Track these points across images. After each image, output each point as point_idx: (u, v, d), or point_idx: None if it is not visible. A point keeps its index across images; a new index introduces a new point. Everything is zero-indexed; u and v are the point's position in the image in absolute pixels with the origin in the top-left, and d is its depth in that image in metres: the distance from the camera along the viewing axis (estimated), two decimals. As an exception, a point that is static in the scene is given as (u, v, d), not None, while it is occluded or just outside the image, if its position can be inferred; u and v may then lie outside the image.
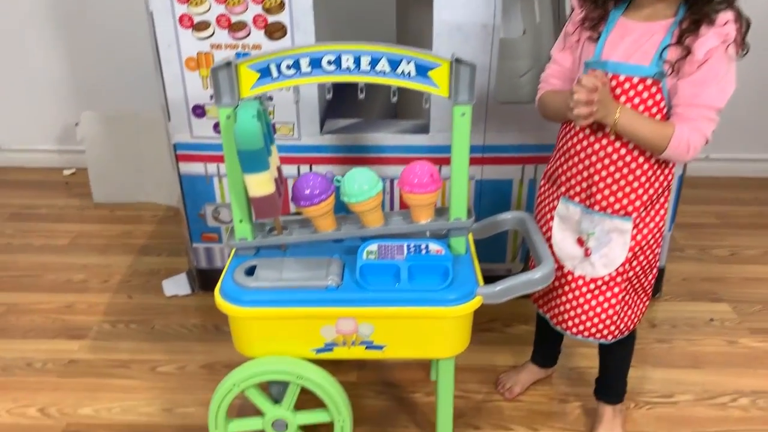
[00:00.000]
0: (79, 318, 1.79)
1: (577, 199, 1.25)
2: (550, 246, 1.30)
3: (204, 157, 1.68)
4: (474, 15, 1.49)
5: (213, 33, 1.52)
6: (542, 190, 1.35)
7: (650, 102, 1.13)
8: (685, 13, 1.10)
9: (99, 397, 1.51)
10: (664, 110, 1.13)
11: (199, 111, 1.62)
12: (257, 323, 1.18)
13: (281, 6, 1.49)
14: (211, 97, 1.59)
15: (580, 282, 1.27)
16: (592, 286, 1.26)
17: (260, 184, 1.15)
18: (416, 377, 1.56)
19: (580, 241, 1.26)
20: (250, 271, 1.21)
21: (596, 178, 1.20)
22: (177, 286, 1.91)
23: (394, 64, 1.14)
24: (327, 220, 1.25)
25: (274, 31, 1.52)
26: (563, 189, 1.27)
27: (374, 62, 1.14)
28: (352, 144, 1.66)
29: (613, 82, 1.13)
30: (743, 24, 1.08)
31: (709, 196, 2.43)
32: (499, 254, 1.81)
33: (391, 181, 1.69)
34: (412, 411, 1.47)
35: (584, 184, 1.22)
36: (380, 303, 1.16)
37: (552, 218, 1.30)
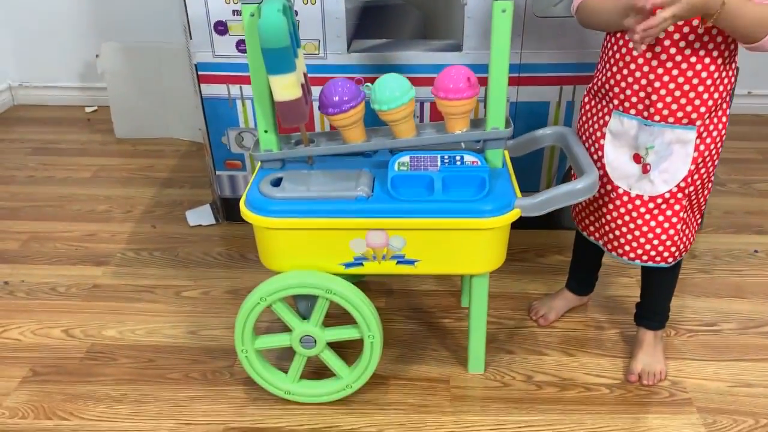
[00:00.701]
0: (102, 246, 1.76)
1: (633, 111, 1.14)
2: (603, 167, 1.20)
3: (227, 78, 1.62)
4: None
5: (235, -59, 1.44)
6: (587, 108, 1.24)
7: None
8: None
9: (123, 319, 1.48)
10: None
11: (221, 28, 1.55)
12: (284, 235, 1.13)
13: None
14: (234, 12, 1.52)
15: (638, 202, 1.18)
16: (651, 205, 1.17)
17: (287, 87, 1.09)
18: (446, 303, 1.51)
19: (637, 158, 1.16)
20: (276, 183, 1.16)
21: (657, 84, 1.09)
22: (201, 216, 1.87)
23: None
24: (356, 130, 1.19)
25: (300, -61, 1.43)
26: (615, 102, 1.16)
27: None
28: (381, 63, 1.58)
29: None
30: None
31: (751, 132, 2.32)
32: (533, 182, 1.74)
33: (422, 104, 1.62)
34: (443, 335, 1.42)
35: (642, 94, 1.11)
36: (412, 214, 1.10)
37: (603, 136, 1.20)
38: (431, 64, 1.57)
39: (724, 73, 1.09)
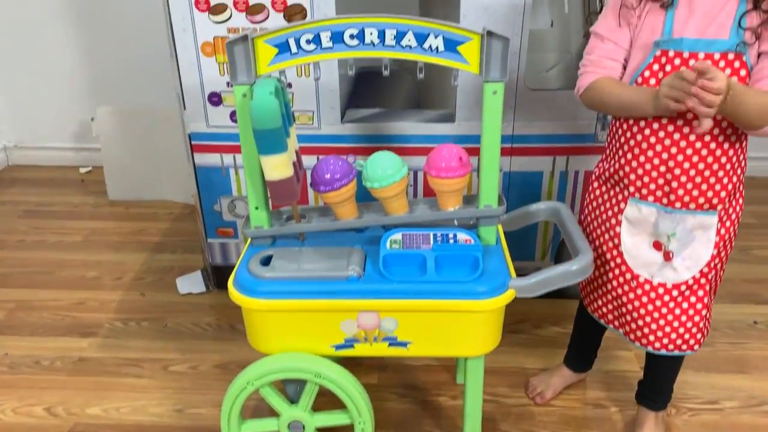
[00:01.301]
0: (90, 315, 1.72)
1: (651, 198, 1.12)
2: (620, 254, 1.18)
3: (220, 148, 1.61)
4: (503, -5, 1.41)
5: (230, 16, 1.46)
6: (597, 193, 1.22)
7: (734, 78, 1.01)
8: None
9: (108, 396, 1.44)
10: (748, 85, 1.02)
11: (215, 99, 1.55)
12: (273, 316, 1.10)
13: (301, -13, 1.42)
14: (228, 84, 1.53)
15: (661, 290, 1.16)
16: (675, 293, 1.15)
17: (277, 167, 1.08)
18: (441, 379, 1.47)
19: (658, 245, 1.14)
20: (266, 261, 1.14)
21: (677, 171, 1.08)
22: (191, 283, 1.84)
23: (421, 38, 1.06)
24: (348, 207, 1.17)
25: (294, 14, 1.45)
26: (632, 189, 1.14)
27: (400, 36, 1.06)
28: (374, 133, 1.58)
29: (692, 62, 1.02)
30: None
31: (747, 195, 2.31)
32: (528, 252, 1.72)
33: (415, 173, 1.62)
34: (437, 415, 1.38)
35: (661, 181, 1.10)
36: (405, 295, 1.07)
37: (618, 223, 1.17)
38: (425, 135, 1.57)
39: (741, 155, 1.09)
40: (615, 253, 1.19)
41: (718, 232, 1.11)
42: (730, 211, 1.12)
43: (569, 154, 1.59)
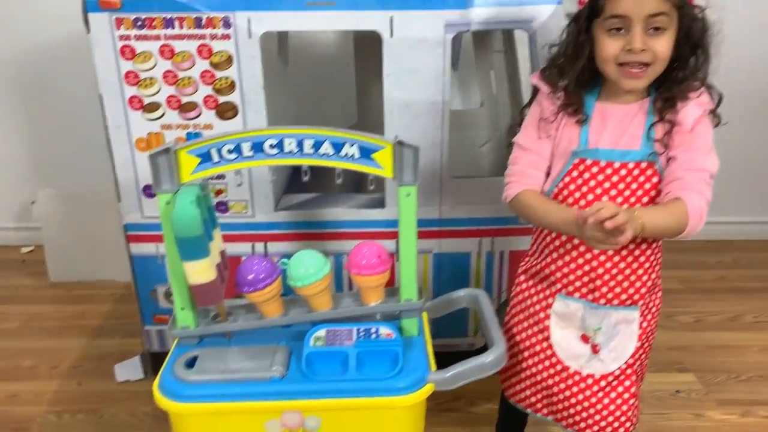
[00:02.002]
0: (23, 409, 1.70)
1: (577, 294, 1.20)
2: (550, 347, 1.24)
3: (156, 237, 1.64)
4: (423, 93, 1.50)
5: (163, 114, 1.51)
6: (524, 287, 1.29)
7: (647, 185, 1.11)
8: (656, 92, 1.11)
9: (37, 497, 1.42)
10: (659, 188, 1.11)
11: (149, 191, 1.59)
12: (198, 419, 1.12)
13: (232, 87, 1.49)
14: (162, 177, 1.57)
15: (590, 381, 1.22)
16: (603, 383, 1.22)
17: (200, 272, 1.11)
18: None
19: (585, 338, 1.22)
20: (192, 363, 1.16)
21: (600, 271, 1.16)
22: (129, 370, 1.83)
23: (338, 146, 1.13)
24: (273, 305, 1.21)
25: (226, 111, 1.51)
26: (559, 286, 1.21)
27: (317, 145, 1.13)
28: (308, 220, 1.63)
29: (608, 170, 1.12)
30: (715, 97, 1.11)
31: (672, 260, 2.39)
32: (461, 328, 1.77)
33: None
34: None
35: (585, 279, 1.18)
36: (326, 394, 1.11)
37: (547, 317, 1.24)
38: (357, 221, 1.63)
39: (657, 254, 1.18)
40: (545, 345, 1.25)
41: (640, 326, 1.20)
42: (651, 305, 1.21)
43: (494, 236, 1.66)
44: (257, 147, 1.13)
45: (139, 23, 1.43)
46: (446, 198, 1.62)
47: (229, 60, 1.47)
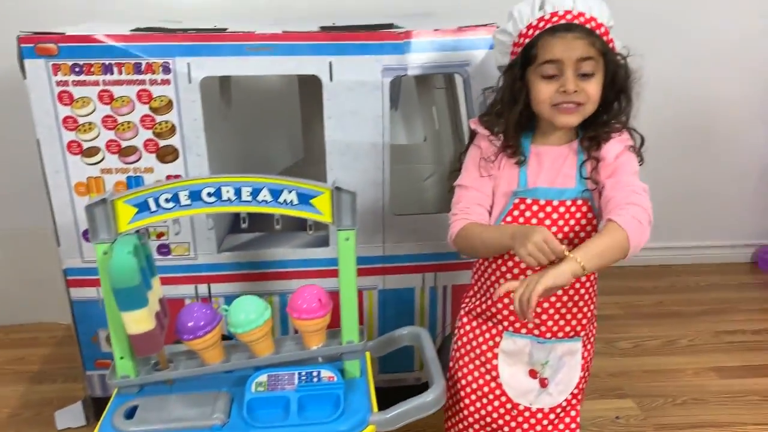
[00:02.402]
0: (-44, 463, 1.64)
1: (524, 330, 1.24)
2: (499, 386, 1.27)
3: (96, 282, 1.61)
4: (364, 134, 1.53)
5: (103, 158, 1.50)
6: (469, 328, 1.32)
7: (583, 221, 1.17)
8: (583, 133, 1.18)
9: None
10: (595, 222, 1.18)
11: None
12: (137, 470, 1.11)
13: (172, 130, 1.49)
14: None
15: (540, 416, 1.26)
16: (552, 416, 1.26)
17: (138, 322, 1.11)
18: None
19: (533, 373, 1.26)
20: (132, 412, 1.15)
21: (546, 305, 1.21)
22: (70, 417, 1.79)
23: (276, 193, 1.15)
24: (214, 351, 1.21)
25: (166, 155, 1.51)
26: (506, 324, 1.25)
27: (255, 192, 1.15)
28: (252, 260, 1.64)
29: (548, 208, 1.17)
30: (636, 139, 1.18)
31: (612, 286, 2.51)
32: (407, 363, 1.79)
33: (293, 296, 1.67)
34: None
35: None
36: (268, 440, 1.11)
37: (495, 356, 1.27)
38: (302, 260, 1.64)
39: (596, 284, 1.24)
40: (494, 385, 1.28)
41: (582, 356, 1.25)
42: (590, 335, 1.28)
43: (437, 271, 1.70)
44: (194, 195, 1.14)
45: (77, 69, 1.43)
46: (389, 235, 1.65)
47: (169, 104, 1.47)
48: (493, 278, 1.25)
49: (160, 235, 1.59)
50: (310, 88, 1.75)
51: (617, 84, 1.15)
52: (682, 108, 2.52)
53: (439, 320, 1.75)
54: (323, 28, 1.61)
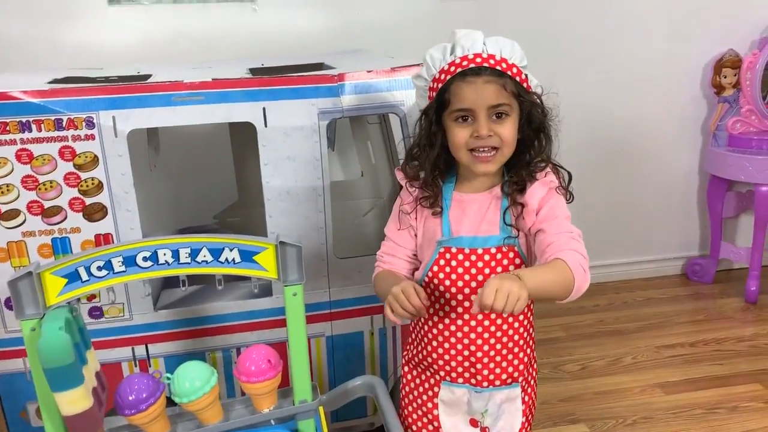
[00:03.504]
0: None
1: (461, 380, 1.21)
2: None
3: (22, 352, 1.50)
4: (302, 179, 1.50)
5: (24, 221, 1.41)
6: (410, 377, 1.30)
7: (511, 267, 1.15)
8: (507, 176, 1.16)
9: None
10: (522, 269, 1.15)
11: (12, 304, 1.46)
12: None
13: (99, 187, 1.42)
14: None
15: None
16: None
17: (74, 402, 1.03)
18: None
19: (474, 422, 1.23)
20: (70, 500, 1.06)
21: (479, 354, 1.18)
22: (-1, 499, 1.65)
23: (216, 252, 1.10)
24: (159, 423, 1.13)
25: (94, 212, 1.43)
26: (442, 373, 1.22)
27: (194, 253, 1.09)
28: (191, 317, 1.56)
29: (473, 256, 1.15)
30: (561, 176, 1.17)
31: (554, 308, 2.55)
32: (360, 409, 1.74)
33: (238, 349, 1.61)
34: None
35: (467, 364, 1.19)
36: None
37: (435, 406, 1.24)
38: (244, 312, 1.58)
39: (531, 329, 1.22)
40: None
41: (523, 401, 1.23)
42: (530, 378, 1.25)
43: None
44: (129, 261, 1.07)
45: (-9, 128, 1.34)
46: (334, 280, 1.61)
47: (94, 160, 1.40)
48: (426, 327, 1.22)
49: (91, 298, 1.49)
50: (240, 129, 1.71)
51: (534, 123, 1.14)
52: (604, 130, 2.61)
53: (390, 362, 1.72)
54: (253, 71, 1.58)
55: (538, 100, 1.15)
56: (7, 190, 1.38)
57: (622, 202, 2.73)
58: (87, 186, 1.41)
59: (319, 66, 1.66)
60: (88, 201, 1.42)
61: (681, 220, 2.82)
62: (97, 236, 1.45)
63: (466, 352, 1.19)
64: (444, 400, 1.23)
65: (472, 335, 1.17)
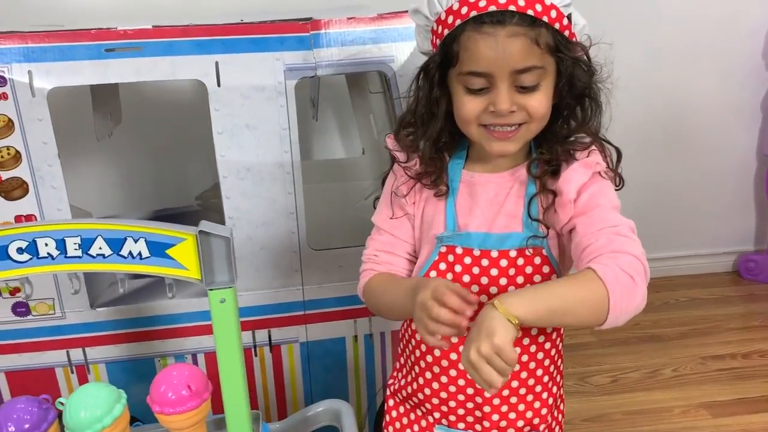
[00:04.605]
0: None
1: (462, 425, 0.92)
2: None
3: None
4: (266, 153, 1.22)
5: None
6: (395, 414, 1.00)
7: (537, 277, 0.85)
8: (535, 153, 0.86)
9: None
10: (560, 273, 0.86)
11: None
12: None
13: (17, 158, 1.16)
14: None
15: None
16: None
17: None
18: None
19: None
20: None
21: (487, 394, 0.88)
22: None
23: (116, 243, 0.83)
24: (48, 463, 0.88)
25: (12, 189, 1.18)
26: (437, 415, 0.93)
27: (86, 244, 0.82)
28: (135, 316, 1.31)
29: (485, 261, 0.85)
30: (609, 155, 0.86)
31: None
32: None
33: (194, 356, 1.35)
34: None
35: (470, 405, 0.90)
36: None
37: None
38: (194, 312, 1.32)
39: (558, 360, 0.91)
40: None
41: None
42: (554, 425, 0.94)
43: (371, 315, 1.39)
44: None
45: None
46: (309, 276, 1.33)
47: (8, 125, 1.14)
48: (418, 353, 0.92)
49: (14, 291, 1.25)
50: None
51: (577, 88, 0.83)
52: (648, 107, 2.28)
53: (378, 374, 1.44)
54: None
55: (584, 55, 0.83)
56: None
57: (666, 188, 2.39)
58: (2, 157, 1.16)
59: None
60: (5, 175, 1.17)
61: (734, 209, 2.47)
62: (17, 217, 1.20)
63: (470, 390, 0.89)
64: None
65: None
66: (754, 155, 2.42)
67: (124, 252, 0.83)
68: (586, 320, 0.76)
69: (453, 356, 0.88)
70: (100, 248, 0.82)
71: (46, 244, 0.81)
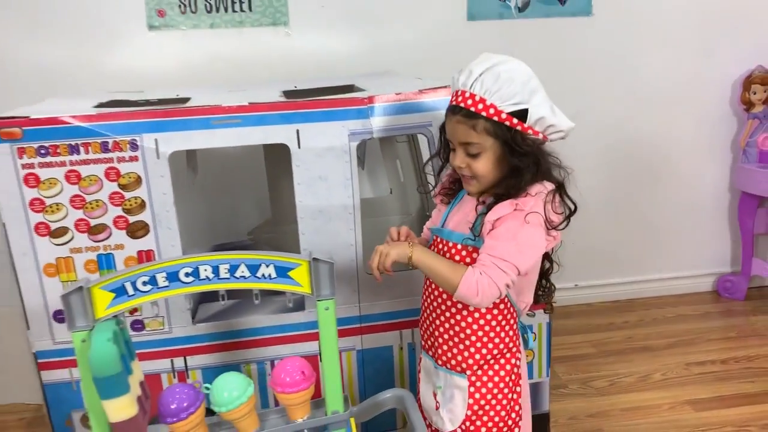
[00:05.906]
0: None
1: (430, 352, 1.34)
2: (419, 399, 1.36)
3: (69, 363, 1.58)
4: (333, 198, 1.55)
5: (72, 238, 1.49)
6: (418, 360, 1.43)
7: (468, 260, 1.24)
8: (491, 191, 1.24)
9: None
10: None
11: (60, 317, 1.54)
12: None
13: (142, 206, 1.49)
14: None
15: None
16: None
17: (121, 409, 1.09)
18: None
19: (434, 394, 1.33)
20: (115, 504, 1.12)
21: (436, 333, 1.30)
22: (45, 504, 1.72)
23: (254, 268, 1.16)
24: (198, 431, 1.19)
25: (137, 230, 1.51)
26: (423, 343, 1.37)
27: (233, 269, 1.15)
28: (228, 330, 1.63)
29: (444, 248, 1.28)
30: (553, 194, 1.19)
31: (582, 324, 2.56)
32: (389, 421, 1.78)
33: (272, 362, 1.66)
34: None
35: (431, 340, 1.33)
36: None
37: (420, 370, 1.40)
38: (278, 326, 1.64)
39: (499, 329, 1.26)
40: (418, 397, 1.38)
41: (471, 395, 1.27)
42: (485, 378, 1.27)
43: (413, 327, 1.71)
44: (172, 276, 1.14)
45: (43, 151, 1.42)
46: (364, 295, 1.66)
47: (138, 180, 1.48)
48: (424, 296, 1.36)
49: (133, 311, 1.57)
50: (274, 148, 1.78)
51: (514, 156, 1.17)
52: (634, 148, 2.63)
53: (418, 375, 1.75)
54: (286, 94, 1.65)
55: (517, 138, 1.16)
56: (57, 209, 1.46)
57: (652, 218, 2.74)
58: (131, 205, 1.49)
59: (350, 88, 1.72)
60: (132, 219, 1.50)
61: (712, 236, 2.81)
62: (139, 252, 1.52)
63: (431, 327, 1.31)
64: (424, 367, 1.37)
65: (435, 312, 1.29)
66: (727, 188, 2.76)
67: (259, 274, 1.16)
68: (442, 286, 1.24)
69: (427, 302, 1.33)
70: (243, 272, 1.15)
71: (206, 270, 1.14)
